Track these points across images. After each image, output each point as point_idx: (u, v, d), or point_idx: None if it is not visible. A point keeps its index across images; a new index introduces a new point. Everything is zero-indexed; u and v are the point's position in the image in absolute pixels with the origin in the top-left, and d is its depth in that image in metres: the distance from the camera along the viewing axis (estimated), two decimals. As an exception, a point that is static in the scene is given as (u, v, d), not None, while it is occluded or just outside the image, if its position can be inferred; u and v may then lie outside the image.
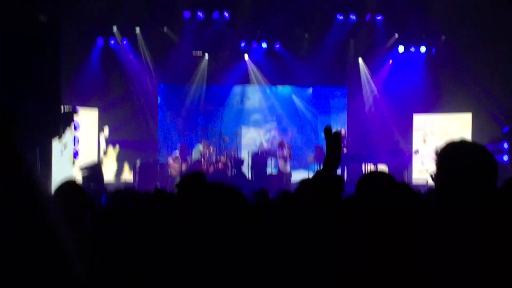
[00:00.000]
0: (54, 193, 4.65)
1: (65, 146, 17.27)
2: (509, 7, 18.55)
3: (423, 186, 16.84)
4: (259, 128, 22.34)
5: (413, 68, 21.63)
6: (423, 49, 21.46)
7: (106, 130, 20.81)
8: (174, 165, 19.26)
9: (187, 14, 20.77)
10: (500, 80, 19.52)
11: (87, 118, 19.61)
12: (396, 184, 3.51)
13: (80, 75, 19.83)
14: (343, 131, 20.60)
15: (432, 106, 21.09)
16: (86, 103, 19.61)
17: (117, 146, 21.09)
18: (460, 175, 2.79)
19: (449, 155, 2.90)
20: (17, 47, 13.87)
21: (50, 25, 15.38)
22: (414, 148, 21.00)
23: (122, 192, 6.81)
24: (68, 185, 4.87)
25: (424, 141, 21.07)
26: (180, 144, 20.18)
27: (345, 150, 20.37)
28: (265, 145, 21.70)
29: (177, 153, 19.69)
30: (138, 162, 19.52)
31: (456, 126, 20.24)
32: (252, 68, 21.92)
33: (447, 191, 2.83)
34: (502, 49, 19.12)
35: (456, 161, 2.85)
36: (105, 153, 20.81)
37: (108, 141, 20.90)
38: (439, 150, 2.95)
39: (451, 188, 2.81)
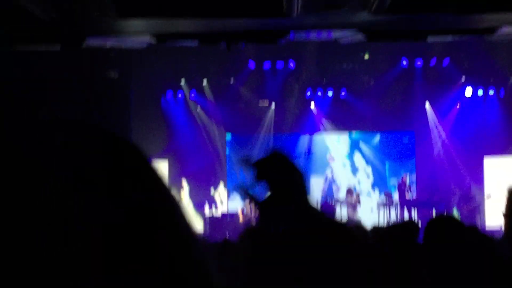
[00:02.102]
0: None
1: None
2: None
3: (497, 231, 16.43)
4: (330, 176, 22.22)
5: (481, 111, 21.33)
6: (491, 92, 21.16)
7: (182, 183, 21.10)
8: (244, 216, 19.33)
9: (252, 64, 21.04)
10: None
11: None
12: (464, 227, 3.47)
13: (150, 129, 20.21)
14: (405, 178, 20.41)
15: (503, 148, 20.68)
16: (156, 155, 19.96)
17: (189, 197, 21.30)
18: None
19: None
20: (88, 104, 14.29)
21: (120, 81, 15.84)
22: (487, 192, 20.56)
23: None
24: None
25: (497, 185, 20.62)
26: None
27: (410, 195, 20.10)
28: (335, 195, 21.55)
29: (247, 204, 19.75)
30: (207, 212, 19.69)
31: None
32: (318, 116, 21.95)
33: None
34: None
35: None
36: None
37: (180, 192, 21.14)
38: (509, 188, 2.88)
39: None
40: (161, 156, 20.45)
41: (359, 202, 19.89)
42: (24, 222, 0.66)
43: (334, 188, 21.81)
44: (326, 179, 22.04)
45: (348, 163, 22.44)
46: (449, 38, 16.67)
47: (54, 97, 13.75)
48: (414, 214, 19.64)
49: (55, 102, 13.63)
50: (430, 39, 16.24)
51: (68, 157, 0.72)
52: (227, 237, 14.34)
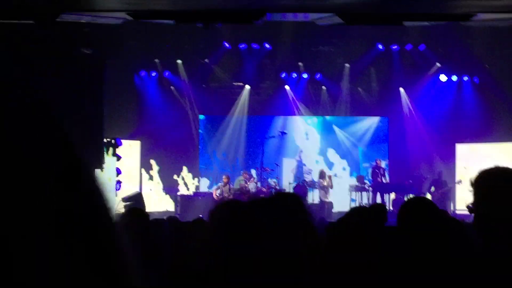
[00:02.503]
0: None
1: (108, 178, 17.44)
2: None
3: (467, 216, 16.58)
4: (300, 159, 22.24)
5: (455, 98, 21.45)
6: (466, 78, 21.28)
7: (152, 163, 21.01)
8: (218, 197, 19.35)
9: (227, 45, 20.94)
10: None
11: (129, 150, 19.83)
12: (438, 211, 3.47)
13: (123, 107, 20.04)
14: (380, 162, 20.57)
15: (475, 135, 20.82)
16: (129, 135, 19.85)
17: (159, 177, 21.24)
18: (498, 203, 2.71)
19: (484, 184, 2.80)
20: (61, 79, 14.11)
21: (94, 58, 15.66)
22: (457, 178, 20.73)
23: (161, 221, 6.87)
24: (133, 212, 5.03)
25: (467, 171, 20.79)
26: (225, 175, 20.18)
27: (387, 180, 20.27)
28: (307, 176, 21.63)
29: (220, 184, 19.80)
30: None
31: (500, 155, 19.91)
32: (293, 98, 21.93)
33: (485, 221, 2.75)
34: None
35: (492, 189, 2.76)
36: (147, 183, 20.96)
37: (150, 172, 21.06)
38: (473, 180, 2.84)
39: (489, 218, 2.73)
40: (134, 135, 20.33)
41: (331, 185, 19.97)
42: None
43: (305, 170, 21.87)
44: (298, 161, 22.07)
45: (320, 146, 22.47)
46: (425, 23, 16.73)
47: (26, 73, 13.56)
48: (386, 198, 19.78)
49: (26, 77, 13.45)
50: (407, 23, 16.29)
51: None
52: (201, 216, 14.31)
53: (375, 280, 2.97)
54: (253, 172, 20.88)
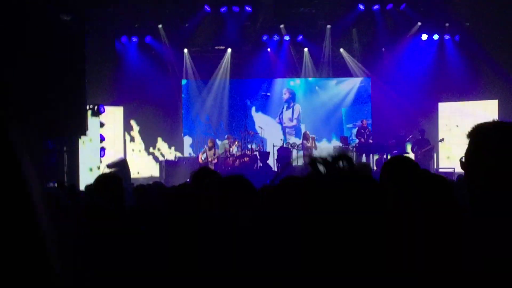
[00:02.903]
0: (94, 184, 4.95)
1: (91, 143, 17.43)
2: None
3: (450, 174, 16.75)
4: (281, 121, 22.29)
5: (437, 56, 21.49)
6: (447, 37, 21.32)
7: (133, 126, 20.97)
8: (202, 161, 19.40)
9: (208, 8, 20.78)
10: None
11: (113, 116, 19.79)
12: (419, 169, 3.52)
13: (105, 74, 19.92)
14: (365, 122, 20.61)
15: (457, 94, 20.91)
16: (112, 101, 19.77)
17: (143, 143, 21.23)
18: (494, 157, 2.67)
19: (481, 137, 2.75)
20: (41, 46, 13.99)
21: (74, 24, 15.51)
22: (440, 136, 20.88)
23: (145, 187, 6.90)
24: (106, 178, 5.07)
25: (450, 129, 20.94)
26: (210, 139, 20.20)
27: (370, 140, 20.35)
28: (290, 138, 21.73)
29: (206, 148, 19.84)
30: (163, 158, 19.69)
31: (482, 113, 20.05)
32: (275, 61, 21.90)
33: (479, 176, 2.72)
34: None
35: (488, 142, 2.70)
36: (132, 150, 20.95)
37: (134, 138, 21.03)
38: (469, 133, 2.79)
39: (483, 172, 2.70)
40: (116, 102, 20.25)
41: (315, 146, 20.04)
42: None
43: (288, 132, 21.98)
44: (280, 123, 22.15)
45: (303, 108, 22.49)
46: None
47: (5, 40, 13.42)
48: (370, 157, 19.89)
49: (6, 44, 13.32)
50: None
51: None
52: (187, 181, 14.34)
53: (354, 235, 3.00)
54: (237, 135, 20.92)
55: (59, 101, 14.44)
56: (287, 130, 22.24)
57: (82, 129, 16.24)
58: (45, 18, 14.29)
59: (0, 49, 13.00)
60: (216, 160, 19.44)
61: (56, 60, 14.44)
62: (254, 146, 20.16)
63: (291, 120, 22.37)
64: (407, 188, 3.37)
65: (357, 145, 20.19)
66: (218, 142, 20.64)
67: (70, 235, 3.49)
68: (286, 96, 22.40)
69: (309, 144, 19.87)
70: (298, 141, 20.88)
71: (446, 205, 3.35)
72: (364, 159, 19.75)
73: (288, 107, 22.41)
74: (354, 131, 20.87)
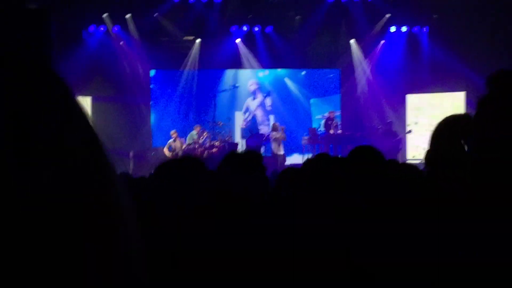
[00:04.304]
0: None
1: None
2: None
3: (417, 165, 16.87)
4: (248, 112, 22.32)
5: (405, 48, 21.61)
6: (415, 29, 21.43)
7: (101, 116, 20.79)
8: (169, 153, 19.35)
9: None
10: (494, 58, 19.49)
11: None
12: (383, 158, 3.51)
13: (72, 64, 19.69)
14: (332, 114, 20.68)
15: (425, 86, 21.05)
16: (79, 92, 19.55)
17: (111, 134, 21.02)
18: (453, 148, 2.73)
19: (441, 130, 2.83)
20: (4, 37, 13.78)
21: (39, 13, 15.30)
22: (408, 128, 21.02)
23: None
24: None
25: (417, 122, 21.09)
26: (173, 130, 20.16)
27: (339, 131, 20.43)
28: (259, 129, 21.75)
29: (170, 141, 19.77)
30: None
31: (449, 105, 20.21)
32: (244, 52, 21.86)
33: (433, 170, 2.77)
34: (496, 26, 19.10)
35: (447, 134, 2.79)
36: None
37: (102, 129, 20.82)
38: (434, 127, 2.88)
39: (444, 161, 2.75)
40: (84, 93, 20.06)
41: (284, 137, 20.06)
42: None
43: (260, 121, 22.07)
44: (248, 113, 22.17)
45: (271, 99, 22.50)
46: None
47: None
48: (339, 149, 19.95)
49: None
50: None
51: None
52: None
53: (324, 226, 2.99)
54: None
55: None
56: (259, 120, 22.25)
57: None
58: (9, 6, 14.08)
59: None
60: (180, 153, 19.38)
61: (21, 49, 14.23)
62: (222, 137, 20.12)
63: (264, 106, 22.40)
64: (376, 176, 3.36)
65: (325, 136, 20.24)
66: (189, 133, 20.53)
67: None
68: (252, 87, 22.40)
69: (278, 135, 19.86)
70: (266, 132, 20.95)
71: (412, 191, 3.34)
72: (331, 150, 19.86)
73: (254, 98, 22.40)
74: (322, 122, 20.91)
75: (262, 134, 20.81)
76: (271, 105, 22.42)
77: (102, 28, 20.78)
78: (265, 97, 22.35)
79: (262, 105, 22.42)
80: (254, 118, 22.26)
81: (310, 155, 19.64)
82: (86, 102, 20.18)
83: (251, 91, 22.38)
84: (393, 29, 21.50)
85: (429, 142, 2.89)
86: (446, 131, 2.85)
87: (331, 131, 20.19)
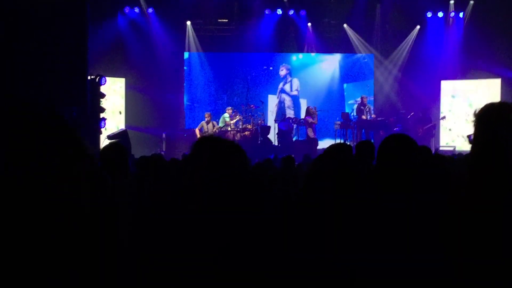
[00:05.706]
0: (100, 154, 5.04)
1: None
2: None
3: (451, 152, 16.76)
4: (285, 96, 22.29)
5: (441, 34, 21.36)
6: (451, 14, 21.18)
7: (135, 98, 20.90)
8: (200, 134, 19.41)
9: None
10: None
11: (114, 87, 19.76)
12: (417, 145, 3.50)
13: (107, 45, 19.78)
14: (365, 99, 20.52)
15: (460, 72, 20.84)
16: (112, 73, 19.66)
17: (144, 115, 21.12)
18: (499, 138, 2.66)
19: (488, 117, 2.75)
20: (43, 16, 13.91)
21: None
22: (442, 115, 20.83)
23: (148, 159, 6.86)
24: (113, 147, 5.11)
25: (450, 109, 20.90)
26: (207, 112, 20.23)
27: (372, 116, 20.31)
28: (290, 112, 21.75)
29: (203, 122, 19.83)
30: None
31: (485, 92, 19.98)
32: (278, 35, 21.79)
33: (484, 153, 2.70)
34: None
35: (495, 122, 2.70)
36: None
37: (135, 110, 20.92)
38: (477, 111, 2.79)
39: (488, 151, 2.69)
40: (118, 73, 20.19)
41: (316, 121, 19.99)
42: None
43: (288, 105, 22.07)
44: (280, 97, 22.19)
45: (305, 83, 22.43)
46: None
47: (5, 14, 13.36)
48: (371, 134, 19.87)
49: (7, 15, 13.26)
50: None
51: None
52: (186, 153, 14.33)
53: (350, 217, 2.98)
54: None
55: (60, 71, 14.40)
56: (286, 104, 22.22)
57: (83, 100, 16.17)
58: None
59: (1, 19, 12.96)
60: (213, 134, 19.42)
61: (58, 30, 14.37)
62: (254, 120, 20.12)
63: (291, 91, 22.35)
64: (405, 166, 3.36)
65: (357, 121, 20.15)
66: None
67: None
68: (283, 72, 22.34)
69: (312, 120, 19.80)
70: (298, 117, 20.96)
71: (442, 181, 3.34)
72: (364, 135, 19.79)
73: (285, 82, 22.36)
74: (355, 107, 20.79)
75: (294, 118, 20.78)
76: (300, 90, 22.35)
77: (136, 10, 20.84)
78: (290, 81, 22.30)
79: (290, 89, 22.38)
80: (283, 102, 22.23)
81: (341, 140, 19.60)
82: (120, 83, 20.32)
83: (282, 76, 22.33)
84: (429, 14, 21.26)
85: (475, 126, 2.79)
86: (494, 116, 2.76)
87: (364, 117, 20.08)
